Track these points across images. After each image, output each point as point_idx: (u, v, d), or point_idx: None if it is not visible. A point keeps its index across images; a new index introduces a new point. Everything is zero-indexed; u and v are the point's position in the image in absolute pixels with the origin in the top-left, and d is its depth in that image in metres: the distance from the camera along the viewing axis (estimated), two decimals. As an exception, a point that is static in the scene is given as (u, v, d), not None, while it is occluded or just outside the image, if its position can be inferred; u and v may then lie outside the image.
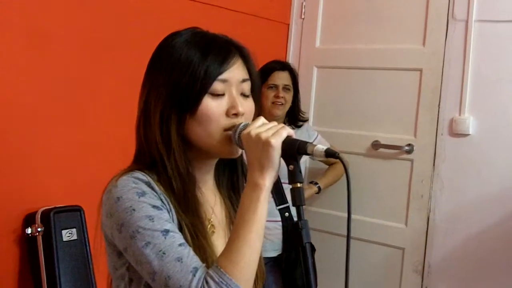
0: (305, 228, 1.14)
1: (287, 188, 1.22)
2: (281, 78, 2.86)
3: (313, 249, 2.91)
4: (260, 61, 2.86)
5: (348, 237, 1.12)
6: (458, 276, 2.91)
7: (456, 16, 2.92)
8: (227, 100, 1.20)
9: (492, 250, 2.81)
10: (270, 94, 2.82)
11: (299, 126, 2.94)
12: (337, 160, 3.17)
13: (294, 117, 2.93)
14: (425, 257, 2.99)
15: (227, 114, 1.20)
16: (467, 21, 2.88)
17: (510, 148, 2.78)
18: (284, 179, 1.28)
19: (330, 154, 1.13)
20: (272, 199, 1.15)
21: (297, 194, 1.15)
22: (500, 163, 2.81)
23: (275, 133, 1.14)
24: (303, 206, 1.16)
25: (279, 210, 2.28)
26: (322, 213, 3.20)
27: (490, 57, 2.84)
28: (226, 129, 1.20)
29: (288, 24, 3.45)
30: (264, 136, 1.13)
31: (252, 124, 1.17)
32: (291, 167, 1.15)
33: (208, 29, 1.28)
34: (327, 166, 3.07)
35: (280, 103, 2.81)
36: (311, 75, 3.36)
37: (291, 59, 3.41)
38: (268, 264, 2.76)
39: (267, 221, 2.43)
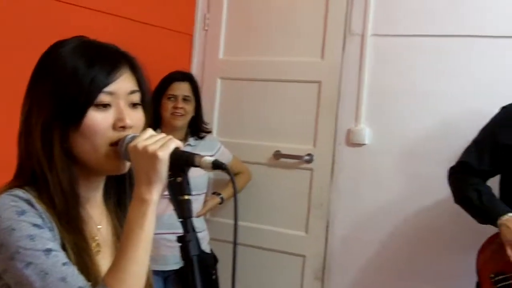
0: (193, 240, 1.14)
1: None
2: (181, 88, 2.86)
3: (215, 260, 2.92)
4: (163, 72, 2.88)
5: (235, 246, 1.12)
6: (357, 282, 3.01)
7: (352, 31, 3.03)
8: (114, 113, 1.17)
9: (390, 255, 2.93)
10: (169, 105, 2.81)
11: (202, 137, 2.95)
12: (241, 170, 3.21)
13: (197, 128, 2.93)
14: (325, 264, 3.07)
15: (114, 127, 1.17)
16: (363, 35, 3.00)
17: (403, 157, 2.91)
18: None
19: (217, 166, 1.14)
20: (173, 211, 1.14)
21: (185, 207, 1.15)
22: (395, 171, 2.93)
23: (162, 145, 1.13)
24: (203, 217, 1.16)
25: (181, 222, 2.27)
26: (225, 223, 3.22)
27: (385, 70, 2.97)
28: (112, 143, 1.17)
29: (192, 35, 3.46)
30: (151, 148, 1.12)
31: (139, 136, 1.15)
32: (179, 179, 1.15)
33: (110, 40, 1.25)
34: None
35: (179, 114, 2.81)
36: (214, 86, 3.39)
37: (195, 70, 3.42)
38: (170, 277, 2.75)
39: (169, 233, 2.46)
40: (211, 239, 2.97)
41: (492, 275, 2.19)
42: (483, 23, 2.75)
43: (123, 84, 1.19)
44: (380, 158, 2.96)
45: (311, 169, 3.12)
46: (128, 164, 1.20)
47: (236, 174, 3.08)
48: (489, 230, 2.26)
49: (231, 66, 3.38)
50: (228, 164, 2.95)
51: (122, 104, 1.18)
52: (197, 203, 2.84)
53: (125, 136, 1.17)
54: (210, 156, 1.18)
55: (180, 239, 1.13)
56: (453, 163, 2.43)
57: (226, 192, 3.01)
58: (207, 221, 3.07)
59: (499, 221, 2.17)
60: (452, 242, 2.77)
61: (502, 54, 2.72)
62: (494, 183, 2.35)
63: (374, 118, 2.98)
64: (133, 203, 1.14)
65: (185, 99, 2.84)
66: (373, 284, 2.98)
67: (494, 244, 2.22)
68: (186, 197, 1.15)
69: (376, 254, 2.96)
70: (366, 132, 2.97)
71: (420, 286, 2.84)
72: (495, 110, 2.33)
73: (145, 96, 1.24)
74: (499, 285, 2.17)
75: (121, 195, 1.30)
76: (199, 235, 2.81)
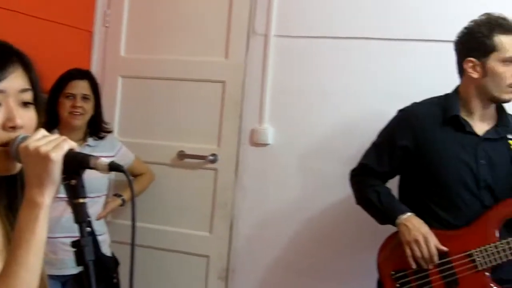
0: (88, 245, 1.10)
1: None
2: (79, 87, 2.75)
3: (117, 263, 2.85)
4: (62, 70, 2.77)
5: (133, 247, 1.09)
6: (261, 281, 3.03)
7: (256, 31, 3.04)
8: (3, 112, 1.12)
9: (295, 254, 2.96)
10: (67, 103, 2.70)
11: (102, 138, 2.85)
12: (143, 171, 3.14)
13: (96, 128, 2.83)
14: (229, 264, 3.06)
15: (4, 127, 1.11)
16: (266, 36, 3.02)
17: (306, 156, 2.95)
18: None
19: (114, 167, 1.10)
20: (72, 214, 1.09)
21: (79, 210, 1.11)
22: (298, 171, 2.97)
23: (55, 146, 1.08)
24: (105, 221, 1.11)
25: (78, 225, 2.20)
26: (127, 225, 3.12)
27: (288, 70, 3.00)
28: (2, 144, 1.11)
29: (91, 32, 3.36)
30: (43, 150, 1.07)
31: (31, 137, 1.10)
32: (74, 182, 1.11)
33: (3, 36, 1.19)
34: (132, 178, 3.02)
35: (78, 113, 2.70)
36: (115, 84, 3.30)
37: (95, 68, 3.32)
38: (69, 282, 2.66)
39: (67, 237, 2.37)
40: (113, 241, 2.89)
41: (393, 272, 2.25)
42: (381, 25, 2.83)
43: (13, 82, 1.14)
44: (284, 158, 2.98)
45: (215, 169, 3.10)
46: (19, 165, 1.15)
47: (138, 175, 3.02)
48: (390, 228, 2.32)
49: (133, 64, 3.30)
50: (130, 165, 2.94)
51: (12, 103, 1.13)
52: (97, 205, 2.75)
53: (16, 137, 1.11)
54: (111, 157, 1.14)
55: (74, 244, 1.09)
56: (355, 162, 2.48)
57: (128, 194, 2.93)
58: (108, 223, 2.99)
59: (397, 221, 2.24)
60: (354, 240, 2.83)
61: (399, 55, 2.81)
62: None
63: (277, 118, 3.00)
64: (24, 206, 1.09)
65: (84, 97, 2.74)
66: (277, 282, 3.00)
67: (393, 242, 2.28)
68: (81, 200, 1.11)
69: (280, 253, 2.99)
70: (269, 132, 2.99)
71: (324, 283, 2.89)
72: (394, 110, 2.40)
73: (38, 95, 1.20)
74: (400, 281, 2.23)
75: (12, 198, 1.23)
76: (100, 238, 2.75)
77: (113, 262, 2.83)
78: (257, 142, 3.02)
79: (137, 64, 3.29)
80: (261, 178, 3.03)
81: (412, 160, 2.30)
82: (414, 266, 2.19)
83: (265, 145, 3.00)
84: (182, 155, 3.15)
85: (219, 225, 3.09)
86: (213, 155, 3.09)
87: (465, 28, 2.26)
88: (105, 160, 1.11)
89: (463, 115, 2.27)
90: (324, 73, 2.92)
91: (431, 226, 2.21)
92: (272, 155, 3.00)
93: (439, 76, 2.57)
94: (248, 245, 3.05)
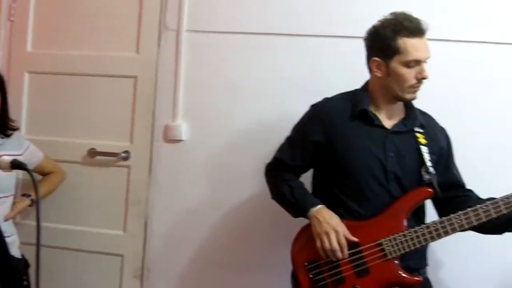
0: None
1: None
2: (-17, 83, 2.64)
3: (27, 265, 2.75)
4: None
5: (38, 248, 1.06)
6: (177, 279, 3.01)
7: (168, 26, 3.01)
8: None
9: (211, 250, 2.97)
10: (-28, 101, 2.59)
11: (9, 135, 2.74)
12: (53, 169, 3.05)
13: (3, 126, 2.72)
14: (143, 263, 3.02)
15: None
16: (178, 31, 2.99)
17: (221, 152, 2.95)
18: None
19: (16, 165, 1.07)
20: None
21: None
22: (213, 167, 2.96)
23: None
24: None
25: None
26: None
27: (201, 65, 2.98)
28: None
29: (-4, 26, 3.23)
30: None
31: None
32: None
33: None
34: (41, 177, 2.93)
35: (-18, 111, 2.59)
36: (22, 80, 3.18)
37: (0, 64, 3.18)
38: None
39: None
40: (22, 243, 2.78)
41: (306, 263, 2.29)
42: (290, 22, 2.87)
43: None
44: (198, 154, 2.97)
45: (128, 167, 3.05)
46: None
47: (48, 174, 2.93)
48: (303, 221, 2.35)
49: (40, 59, 3.19)
50: (38, 163, 2.84)
51: None
52: (4, 205, 2.64)
53: None
54: (18, 155, 1.10)
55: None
56: (268, 157, 2.50)
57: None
58: (17, 224, 2.88)
59: (309, 213, 2.27)
60: (269, 233, 2.86)
61: (309, 51, 2.86)
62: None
63: (191, 114, 2.98)
64: None
65: (-12, 94, 2.63)
66: (193, 279, 2.99)
67: (306, 234, 2.32)
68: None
69: (196, 249, 2.98)
70: (183, 128, 2.97)
71: (240, 277, 2.91)
72: (305, 105, 2.44)
73: None
74: (313, 272, 2.27)
75: None
76: (8, 240, 2.64)
77: (23, 264, 2.73)
78: (170, 139, 2.99)
79: (44, 59, 3.18)
80: (175, 175, 3.00)
81: (324, 154, 2.34)
82: (325, 257, 2.23)
83: (178, 141, 2.98)
84: (93, 153, 3.07)
85: (133, 223, 3.04)
86: (126, 152, 3.04)
87: (373, 27, 2.31)
88: (7, 158, 1.07)
89: (372, 109, 2.34)
90: (236, 69, 2.94)
91: (342, 217, 2.26)
92: (186, 152, 2.98)
93: (349, 72, 2.62)
94: (163, 243, 3.02)
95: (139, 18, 3.05)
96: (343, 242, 2.21)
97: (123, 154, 3.03)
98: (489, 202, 2.17)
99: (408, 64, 2.23)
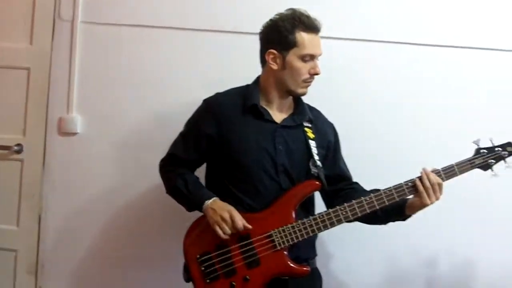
0: None
1: None
2: None
3: None
4: None
5: None
6: (73, 274, 2.97)
7: (62, 17, 2.95)
8: None
9: (108, 243, 2.96)
10: None
11: None
12: None
13: None
14: (38, 258, 2.97)
15: None
16: (73, 22, 2.94)
17: (117, 146, 2.93)
18: None
19: None
20: None
21: None
22: (109, 160, 2.94)
23: None
24: None
25: None
26: None
27: (97, 57, 2.95)
28: None
29: None
30: None
31: None
32: None
33: None
34: None
35: None
36: None
37: None
38: None
39: None
40: None
41: (198, 256, 2.32)
42: (189, 16, 2.90)
43: None
44: (94, 147, 2.94)
45: (21, 160, 2.98)
46: None
47: None
48: (198, 215, 2.38)
49: None
50: None
51: None
52: None
53: None
54: None
55: None
56: (165, 152, 2.51)
57: None
58: None
59: (204, 206, 2.31)
60: (166, 227, 2.87)
61: (210, 46, 2.90)
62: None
63: (86, 107, 2.95)
64: None
65: None
66: (89, 274, 2.96)
67: (199, 228, 2.35)
68: None
69: (92, 244, 2.95)
70: (78, 121, 2.93)
71: (135, 271, 2.92)
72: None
73: None
74: (204, 264, 2.31)
75: None
76: None
77: None
78: (65, 131, 2.94)
79: None
80: (70, 168, 2.96)
81: (216, 148, 2.38)
82: (228, 239, 2.26)
83: (73, 134, 2.94)
84: (-18, 147, 2.98)
85: (27, 218, 2.98)
86: (18, 145, 2.97)
87: (270, 20, 2.36)
88: None
89: (263, 104, 2.39)
90: (133, 62, 2.92)
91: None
92: (81, 145, 2.94)
93: (247, 66, 2.65)
94: (59, 237, 2.98)
95: (33, 8, 2.98)
96: (240, 224, 2.25)
97: (16, 147, 2.96)
98: (373, 194, 2.28)
99: (303, 58, 2.31)
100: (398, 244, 2.89)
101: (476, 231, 2.90)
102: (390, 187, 2.28)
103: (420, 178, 2.26)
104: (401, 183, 2.28)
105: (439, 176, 2.27)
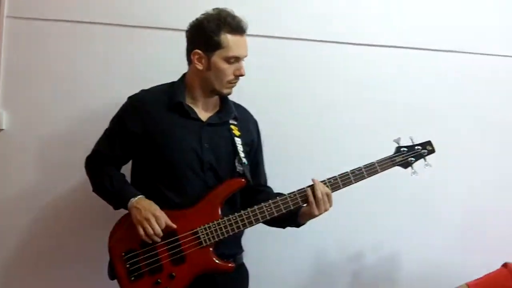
0: None
1: None
2: None
3: None
4: None
5: None
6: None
7: (-13, 11, 2.88)
8: None
9: (32, 244, 2.89)
10: None
11: None
12: None
13: None
14: None
15: None
16: (-1, 17, 2.88)
17: (44, 142, 2.88)
18: None
19: None
20: None
21: None
22: (34, 156, 2.88)
23: None
24: None
25: None
26: None
27: (23, 53, 2.87)
28: None
29: None
30: None
31: None
32: None
33: None
34: None
35: None
36: None
37: None
38: None
39: None
40: None
41: (123, 254, 2.32)
42: (116, 11, 2.87)
43: None
44: (20, 144, 2.86)
45: None
46: None
47: None
48: (123, 213, 2.38)
49: None
50: None
51: None
52: None
53: None
54: None
55: None
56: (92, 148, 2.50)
57: None
58: None
59: (129, 204, 2.30)
60: (92, 225, 2.83)
61: (134, 42, 2.88)
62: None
63: (12, 102, 2.87)
64: None
65: None
66: (11, 274, 2.88)
67: (124, 225, 2.34)
68: None
69: (13, 243, 2.88)
70: (3, 117, 2.86)
71: (60, 270, 2.87)
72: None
73: None
74: (130, 262, 2.30)
75: None
76: None
77: None
78: (-11, 128, 2.88)
79: None
80: (-4, 167, 2.90)
81: (141, 145, 2.37)
82: (150, 241, 2.27)
83: (-1, 130, 2.88)
84: None
85: (-49, 216, 2.89)
86: None
87: (196, 20, 2.37)
88: None
89: (188, 102, 2.40)
90: (61, 57, 2.86)
91: (161, 207, 2.30)
92: (6, 141, 2.87)
93: (174, 63, 2.64)
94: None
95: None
96: (164, 226, 2.26)
97: None
98: (279, 198, 2.35)
99: (228, 60, 2.32)
100: (326, 239, 2.96)
101: (400, 225, 3.00)
102: (286, 195, 2.35)
103: (310, 187, 2.33)
104: (294, 192, 2.35)
105: (334, 184, 2.34)
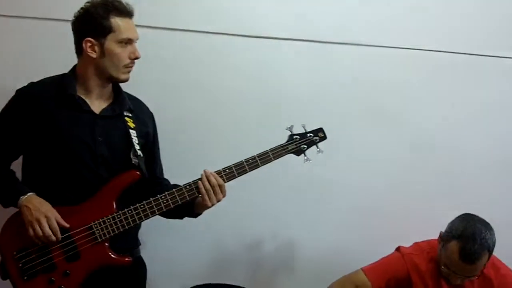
0: None
1: None
2: None
3: None
4: None
5: None
6: None
7: None
8: None
9: None
10: None
11: None
12: None
13: None
14: None
15: None
16: None
17: None
18: None
19: None
20: None
21: None
22: None
23: None
24: None
25: None
26: None
27: None
28: None
29: None
30: None
31: None
32: None
33: None
34: None
35: None
36: None
37: None
38: None
39: None
40: None
41: (15, 253, 2.24)
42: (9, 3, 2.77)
43: None
44: None
45: None
46: None
47: None
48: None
49: None
50: None
51: None
52: None
53: None
54: None
55: None
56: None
57: None
58: None
59: (19, 202, 2.23)
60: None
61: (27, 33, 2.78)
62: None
63: None
64: None
65: None
66: None
67: (15, 224, 2.26)
68: None
69: None
70: None
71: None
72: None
73: None
74: (22, 261, 2.22)
75: None
76: None
77: None
78: None
79: None
80: None
81: (32, 140, 2.30)
82: (40, 243, 2.20)
83: None
84: None
85: None
86: None
87: (82, 8, 2.32)
88: None
89: (81, 94, 2.34)
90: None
91: (54, 204, 2.24)
92: None
93: (63, 55, 2.56)
94: None
95: None
96: (55, 226, 2.20)
97: None
98: (175, 189, 2.35)
99: (121, 43, 2.29)
100: (225, 228, 2.98)
101: (297, 213, 3.07)
102: (181, 187, 2.36)
103: (200, 180, 2.35)
104: (190, 183, 2.35)
105: (229, 173, 2.36)
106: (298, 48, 3.01)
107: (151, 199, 2.30)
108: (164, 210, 2.31)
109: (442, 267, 2.54)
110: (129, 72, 2.36)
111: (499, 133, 3.19)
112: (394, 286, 2.64)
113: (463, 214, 2.59)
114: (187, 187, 2.34)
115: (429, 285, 2.63)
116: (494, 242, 2.50)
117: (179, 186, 2.36)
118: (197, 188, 2.34)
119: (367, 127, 3.10)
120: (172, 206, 2.32)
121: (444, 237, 2.54)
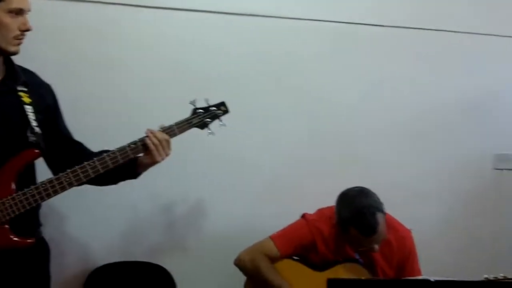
0: None
1: None
2: None
3: None
4: None
5: None
6: None
7: None
8: None
9: None
10: None
11: None
12: None
13: None
14: None
15: None
16: None
17: None
18: None
19: None
20: None
21: None
22: None
23: None
24: None
25: None
26: None
27: None
28: None
29: None
30: None
31: None
32: None
33: None
34: None
35: None
36: None
37: None
38: None
39: None
40: None
41: None
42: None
43: None
44: None
45: None
46: None
47: None
48: None
49: None
50: None
51: None
52: None
53: None
54: None
55: None
56: None
57: None
58: None
59: None
60: None
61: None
62: None
63: None
64: None
65: None
66: None
67: None
68: None
69: None
70: None
71: None
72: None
73: None
74: None
75: None
76: None
77: None
78: None
79: None
80: None
81: None
82: None
83: None
84: None
85: None
86: None
87: None
88: None
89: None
90: None
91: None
92: None
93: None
94: None
95: None
96: None
97: None
98: (96, 158, 2.27)
99: (11, 13, 2.17)
100: (138, 194, 2.97)
101: (210, 182, 3.13)
102: (114, 150, 2.30)
103: (147, 137, 2.33)
104: (125, 146, 2.31)
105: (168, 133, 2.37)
106: (203, 20, 3.01)
107: (53, 178, 2.22)
108: (101, 171, 2.26)
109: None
110: (19, 44, 2.24)
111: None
112: (301, 252, 2.73)
113: (339, 197, 2.72)
114: (132, 145, 2.31)
115: (332, 249, 2.74)
116: (378, 200, 2.64)
117: (114, 150, 2.30)
118: (144, 145, 2.32)
119: (272, 97, 3.17)
120: (111, 166, 2.27)
121: (341, 226, 2.67)
